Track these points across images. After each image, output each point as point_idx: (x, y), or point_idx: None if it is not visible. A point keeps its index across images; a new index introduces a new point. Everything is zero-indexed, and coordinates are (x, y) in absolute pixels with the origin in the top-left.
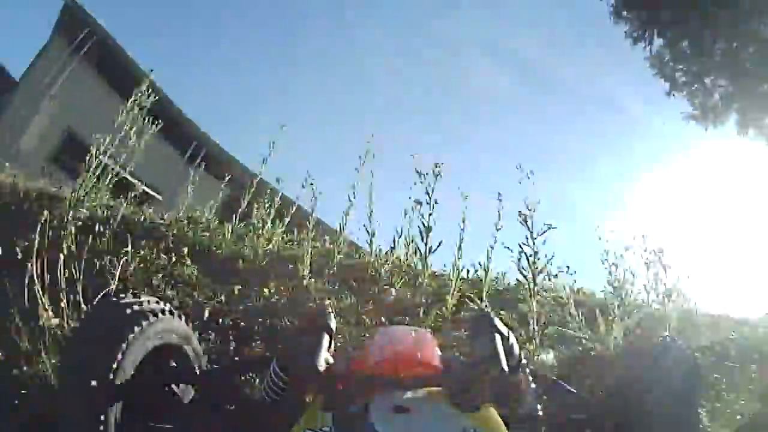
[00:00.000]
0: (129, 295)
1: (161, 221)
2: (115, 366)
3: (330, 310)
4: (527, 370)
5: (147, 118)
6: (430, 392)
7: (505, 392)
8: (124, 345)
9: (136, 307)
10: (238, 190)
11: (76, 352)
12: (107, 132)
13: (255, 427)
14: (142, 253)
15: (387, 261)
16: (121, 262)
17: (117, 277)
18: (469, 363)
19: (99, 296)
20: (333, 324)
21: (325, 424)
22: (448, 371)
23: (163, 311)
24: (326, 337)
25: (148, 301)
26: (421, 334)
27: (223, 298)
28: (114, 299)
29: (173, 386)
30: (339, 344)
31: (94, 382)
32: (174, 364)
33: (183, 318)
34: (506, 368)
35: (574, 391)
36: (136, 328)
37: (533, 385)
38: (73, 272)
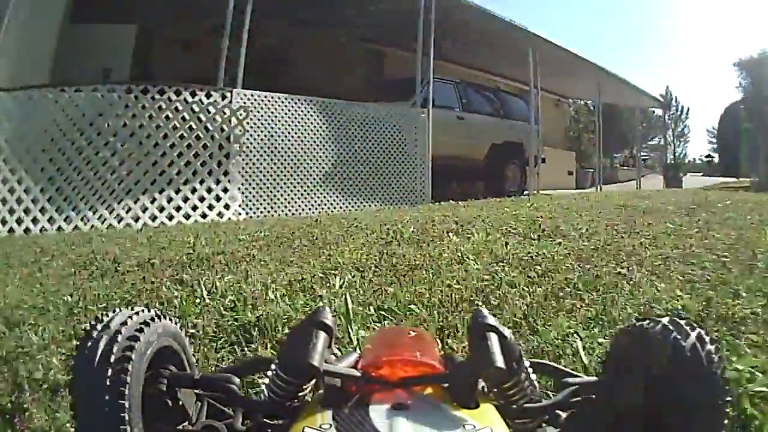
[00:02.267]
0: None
1: None
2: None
3: (330, 310)
4: (527, 366)
5: None
6: (430, 390)
7: (505, 389)
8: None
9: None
10: None
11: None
12: None
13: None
14: None
15: None
16: None
17: None
18: (469, 362)
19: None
20: (332, 323)
21: (324, 422)
22: (447, 371)
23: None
24: (325, 336)
25: (142, 310)
26: (421, 335)
27: None
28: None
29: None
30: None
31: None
32: (173, 368)
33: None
34: (504, 366)
35: (573, 371)
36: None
37: (534, 377)
38: None
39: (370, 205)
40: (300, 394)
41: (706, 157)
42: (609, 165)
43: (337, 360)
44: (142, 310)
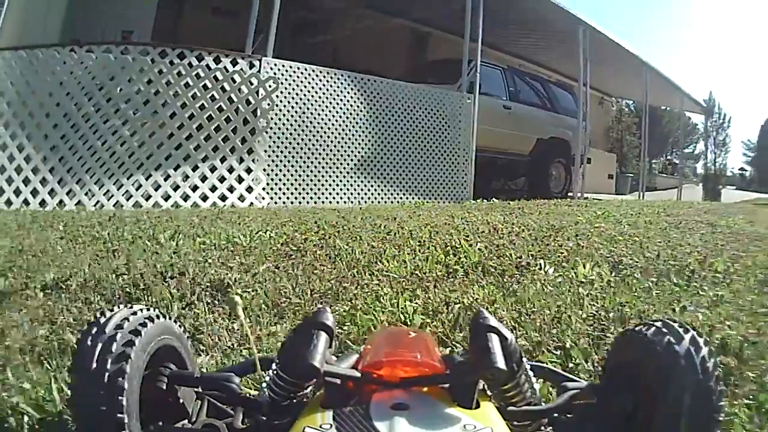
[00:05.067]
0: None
1: None
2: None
3: (330, 310)
4: (527, 368)
5: None
6: (430, 391)
7: (504, 390)
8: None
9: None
10: None
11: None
12: None
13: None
14: None
15: None
16: None
17: None
18: (469, 363)
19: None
20: (332, 324)
21: (325, 422)
22: (448, 371)
23: (157, 316)
24: (325, 336)
25: (142, 309)
26: (421, 335)
27: None
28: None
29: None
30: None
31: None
32: (173, 366)
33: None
34: (504, 367)
35: (571, 376)
36: (138, 337)
37: (534, 380)
38: None
39: (407, 198)
40: (300, 394)
41: (740, 170)
42: (648, 171)
43: (338, 360)
44: (142, 309)
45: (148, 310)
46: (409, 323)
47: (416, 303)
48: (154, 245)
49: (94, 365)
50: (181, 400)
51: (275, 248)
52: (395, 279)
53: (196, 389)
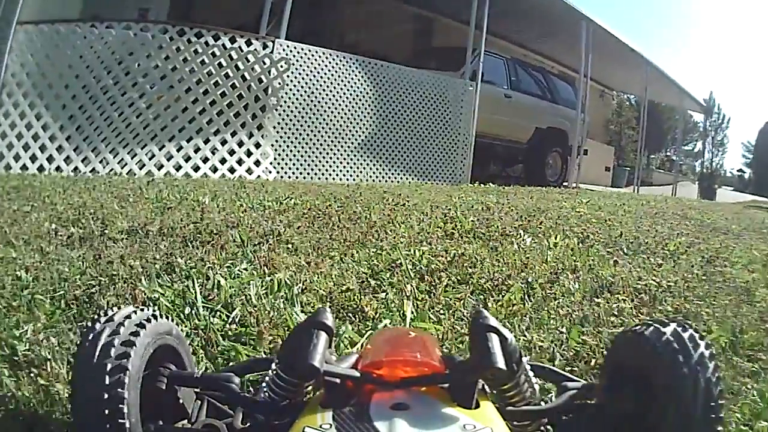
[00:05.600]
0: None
1: None
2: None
3: (329, 310)
4: (527, 368)
5: None
6: (429, 391)
7: (504, 390)
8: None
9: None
10: None
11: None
12: None
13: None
14: None
15: None
16: None
17: None
18: (469, 363)
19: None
20: (332, 324)
21: (324, 422)
22: (447, 371)
23: (156, 317)
24: (325, 336)
25: (141, 309)
26: (421, 335)
27: None
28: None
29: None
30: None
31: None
32: (173, 367)
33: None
34: (504, 367)
35: (571, 376)
36: (138, 337)
37: (534, 380)
38: None
39: (407, 179)
40: (300, 394)
41: (738, 171)
42: (645, 166)
43: (338, 360)
44: (142, 309)
45: (146, 310)
46: (419, 261)
47: (423, 249)
48: (201, 205)
49: (94, 366)
50: (180, 401)
51: (303, 212)
52: (406, 236)
53: (196, 389)
